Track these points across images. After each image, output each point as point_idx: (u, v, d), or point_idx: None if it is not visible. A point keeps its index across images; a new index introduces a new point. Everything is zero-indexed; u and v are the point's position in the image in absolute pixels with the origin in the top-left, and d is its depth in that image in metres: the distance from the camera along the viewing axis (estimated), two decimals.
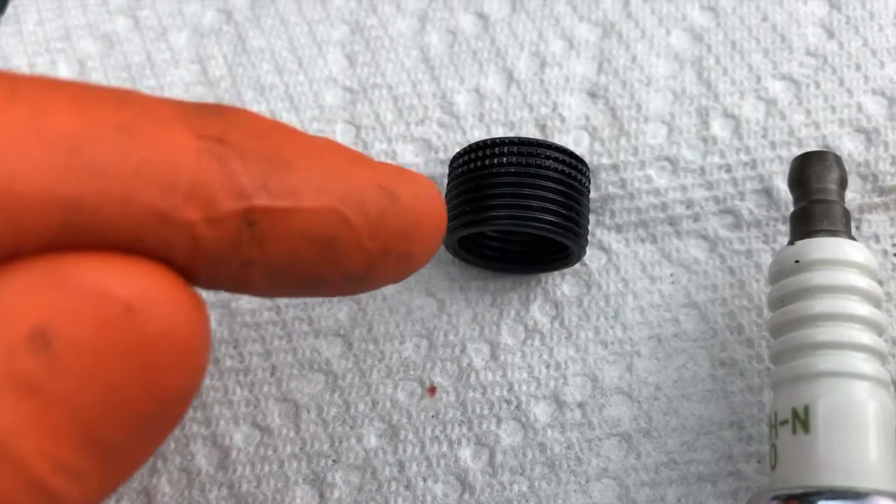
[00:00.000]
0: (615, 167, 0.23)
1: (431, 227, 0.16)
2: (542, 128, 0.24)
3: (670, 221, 0.23)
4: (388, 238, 0.15)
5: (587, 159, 0.23)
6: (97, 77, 0.26)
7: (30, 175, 0.11)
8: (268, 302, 0.23)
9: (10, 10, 0.27)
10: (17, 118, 0.11)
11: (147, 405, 0.12)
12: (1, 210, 0.11)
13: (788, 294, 0.19)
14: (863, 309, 0.18)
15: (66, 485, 0.12)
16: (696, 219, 0.22)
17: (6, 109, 0.11)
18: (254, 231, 0.13)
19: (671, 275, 0.22)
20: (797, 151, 0.22)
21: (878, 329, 0.18)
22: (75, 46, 0.26)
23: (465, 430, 0.21)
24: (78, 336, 0.11)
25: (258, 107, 0.25)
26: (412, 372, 0.22)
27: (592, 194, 0.23)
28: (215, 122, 0.13)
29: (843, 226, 0.19)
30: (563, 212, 0.20)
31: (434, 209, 0.16)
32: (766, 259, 0.22)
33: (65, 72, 0.26)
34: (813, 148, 0.22)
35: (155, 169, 0.12)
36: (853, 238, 0.19)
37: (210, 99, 0.25)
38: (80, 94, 0.12)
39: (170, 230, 0.12)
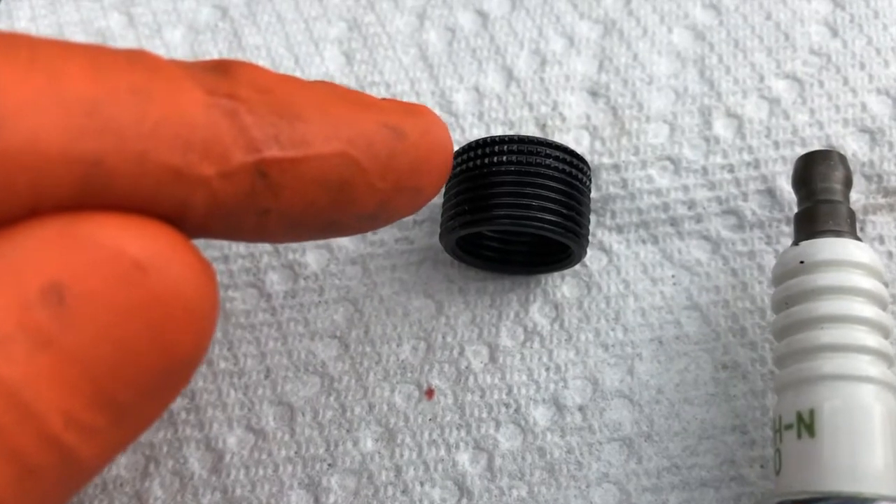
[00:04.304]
0: (616, 167, 0.23)
1: (440, 159, 0.16)
2: (543, 127, 0.23)
3: (672, 222, 0.22)
4: (398, 176, 0.15)
5: (588, 159, 0.23)
6: None
7: (50, 134, 0.11)
8: (262, 303, 0.22)
9: (2, 6, 0.27)
10: (37, 81, 0.11)
11: (156, 364, 0.12)
12: (23, 168, 0.11)
13: (793, 295, 0.18)
14: (868, 311, 0.18)
15: (79, 440, 0.12)
16: (698, 219, 0.22)
17: (27, 73, 0.11)
18: (267, 182, 0.13)
19: (673, 276, 0.22)
20: (801, 151, 0.21)
21: (884, 331, 0.18)
22: None
23: (463, 433, 0.21)
24: (91, 292, 0.11)
25: None
26: (409, 374, 0.21)
27: (593, 194, 0.22)
28: (224, 78, 0.13)
29: (848, 226, 0.19)
30: (564, 211, 0.20)
31: (442, 141, 0.16)
32: (770, 261, 0.22)
33: None
34: (817, 147, 0.22)
35: (169, 128, 0.12)
36: (858, 238, 0.19)
37: None
38: (96, 57, 0.12)
39: (186, 186, 0.12)
